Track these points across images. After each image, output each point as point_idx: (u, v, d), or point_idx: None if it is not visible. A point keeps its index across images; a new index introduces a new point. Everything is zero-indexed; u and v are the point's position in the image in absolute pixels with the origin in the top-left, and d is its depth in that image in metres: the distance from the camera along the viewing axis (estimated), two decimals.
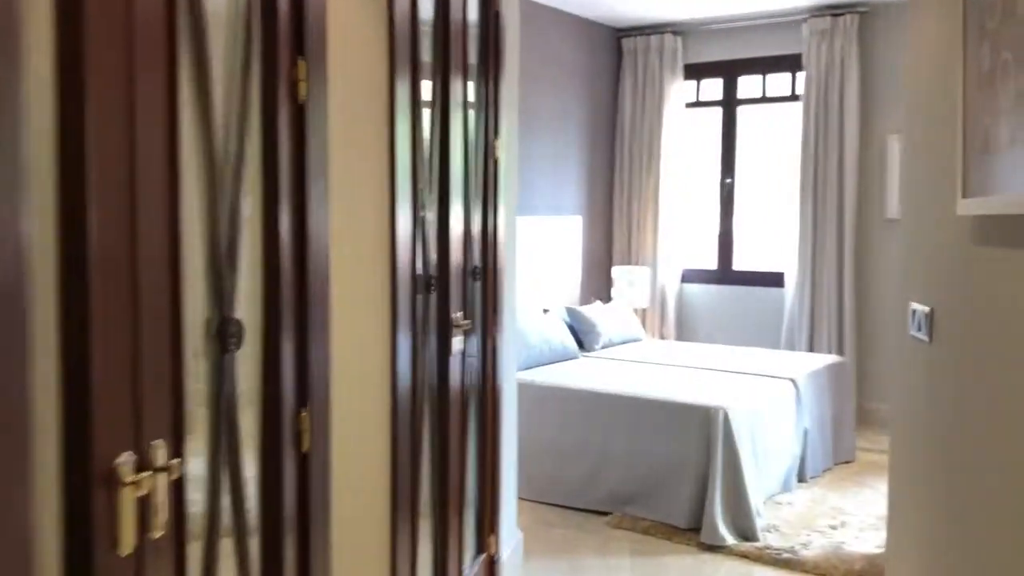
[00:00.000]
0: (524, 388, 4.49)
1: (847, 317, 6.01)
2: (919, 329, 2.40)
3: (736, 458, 4.04)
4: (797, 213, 6.21)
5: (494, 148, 3.16)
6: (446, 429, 2.72)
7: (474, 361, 3.02)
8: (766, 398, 4.46)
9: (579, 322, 5.60)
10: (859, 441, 5.42)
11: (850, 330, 6.00)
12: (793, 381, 4.77)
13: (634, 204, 6.85)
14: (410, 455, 2.39)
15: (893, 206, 5.94)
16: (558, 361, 5.13)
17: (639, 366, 5.09)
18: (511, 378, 3.55)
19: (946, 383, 2.18)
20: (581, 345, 5.56)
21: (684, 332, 6.83)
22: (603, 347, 5.62)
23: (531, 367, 4.92)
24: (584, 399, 4.43)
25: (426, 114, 2.50)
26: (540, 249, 6.08)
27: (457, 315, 2.71)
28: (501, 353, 3.28)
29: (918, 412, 2.45)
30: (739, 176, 6.67)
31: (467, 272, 2.92)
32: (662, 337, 6.76)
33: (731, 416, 4.06)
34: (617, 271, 6.50)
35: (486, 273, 3.14)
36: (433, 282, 2.57)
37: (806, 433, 4.79)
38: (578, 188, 6.57)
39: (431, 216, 2.58)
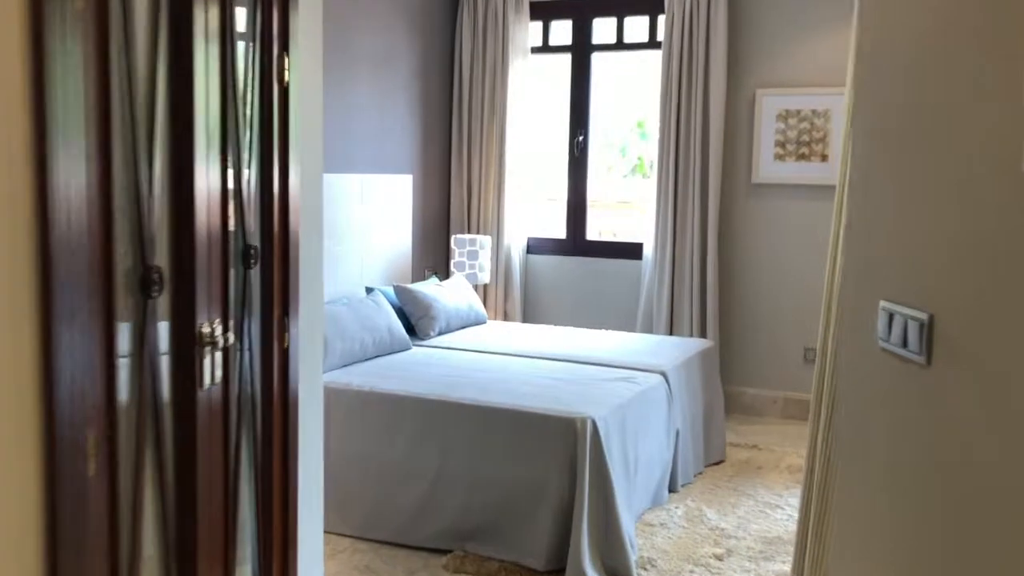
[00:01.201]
0: (336, 394, 3.52)
1: (710, 293, 5.36)
2: (903, 344, 1.62)
3: (606, 478, 3.25)
4: (655, 176, 5.49)
5: (279, 91, 2.15)
6: (192, 458, 1.74)
7: (249, 369, 2.04)
8: (635, 398, 3.69)
9: (411, 304, 4.66)
10: (727, 435, 4.79)
11: (713, 307, 5.36)
12: (663, 375, 4.04)
13: (475, 162, 5.94)
14: (107, 497, 1.42)
15: (763, 170, 5.32)
16: (383, 354, 4.18)
17: (483, 358, 4.21)
18: (314, 383, 2.58)
19: (959, 428, 1.41)
20: (413, 332, 4.63)
21: (531, 311, 6.02)
22: (439, 333, 4.71)
23: (347, 364, 3.94)
24: (415, 407, 3.51)
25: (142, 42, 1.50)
26: (362, 214, 5.07)
27: (206, 329, 1.71)
28: (297, 354, 2.31)
29: (900, 458, 1.68)
30: (593, 134, 5.89)
31: (233, 254, 1.93)
32: (506, 317, 5.92)
33: (599, 426, 3.26)
34: (456, 240, 5.59)
35: (270, 253, 2.14)
36: (157, 277, 1.56)
37: (678, 435, 4.08)
38: (409, 142, 5.58)
39: (153, 173, 1.57)
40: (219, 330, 1.78)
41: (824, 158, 5.18)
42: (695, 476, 4.29)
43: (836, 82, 4.79)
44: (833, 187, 2.82)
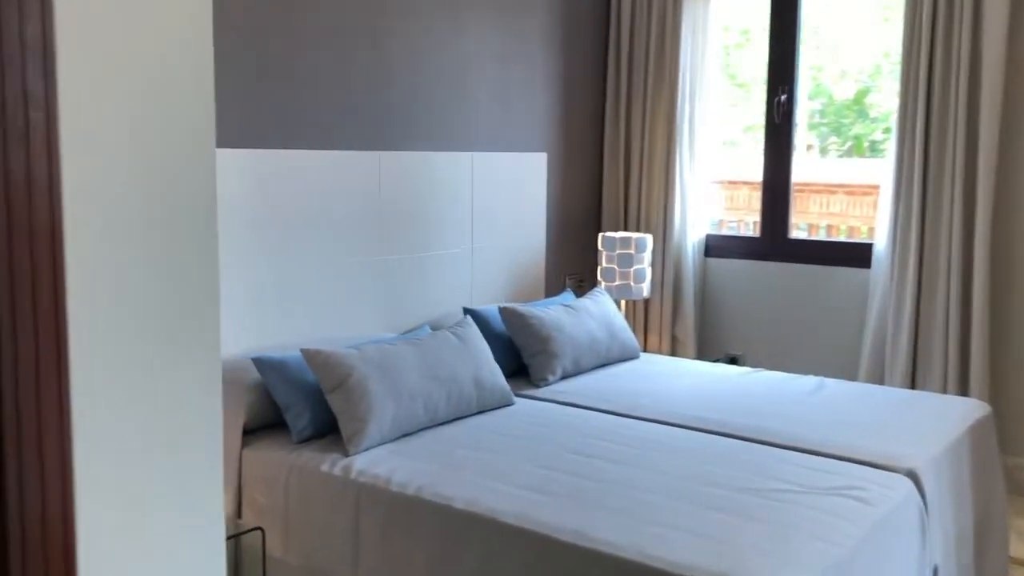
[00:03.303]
0: (368, 493, 2.20)
1: (976, 324, 3.61)
2: None
3: None
4: (893, 155, 3.79)
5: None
6: None
7: None
8: (866, 539, 2.10)
9: (521, 333, 3.26)
10: (1011, 543, 3.05)
11: (980, 345, 3.60)
12: (913, 476, 2.42)
13: (635, 134, 4.44)
14: None
15: None
16: (466, 416, 2.79)
17: (619, 427, 2.74)
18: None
19: None
20: (525, 373, 3.25)
21: (709, 337, 4.47)
22: (563, 377, 3.28)
23: (400, 437, 2.58)
24: (485, 533, 2.10)
25: None
26: (476, 205, 3.73)
27: None
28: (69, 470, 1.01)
29: None
30: (801, 92, 4.25)
31: None
32: (674, 345, 4.40)
33: None
34: (604, 240, 4.14)
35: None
36: None
37: (935, 573, 2.46)
38: (543, 109, 4.17)
39: None
40: None
41: None
42: None
43: None
44: None
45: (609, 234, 4.14)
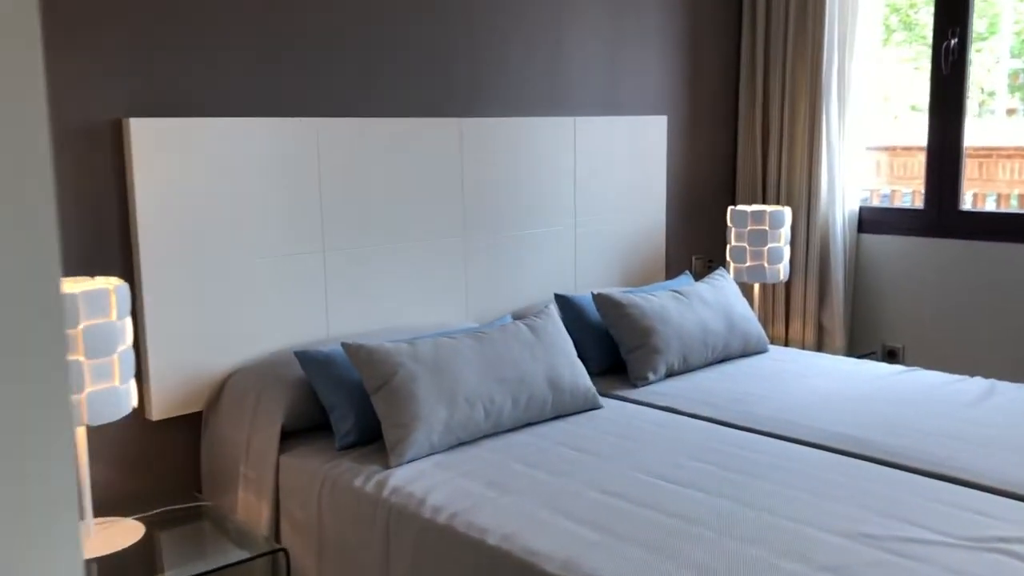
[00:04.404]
0: (399, 516, 1.87)
1: None
2: None
3: None
4: None
5: None
6: None
7: None
8: None
9: (619, 324, 2.82)
10: None
11: None
12: None
13: (773, 93, 3.86)
14: None
15: None
16: (541, 420, 2.40)
17: (725, 445, 2.26)
18: None
19: None
20: (624, 370, 2.82)
21: (865, 327, 3.85)
22: (668, 375, 2.82)
23: (455, 447, 2.21)
24: None
25: None
26: (580, 175, 3.31)
27: None
28: None
29: None
30: (973, 37, 3.54)
31: None
32: (821, 337, 3.81)
33: None
34: (733, 215, 3.61)
35: None
36: None
37: None
38: (661, 66, 3.67)
39: None
40: None
41: None
42: None
43: None
44: None
45: (739, 208, 3.60)
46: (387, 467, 2.10)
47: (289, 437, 2.30)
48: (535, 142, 3.14)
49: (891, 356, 3.74)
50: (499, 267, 3.05)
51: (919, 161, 3.74)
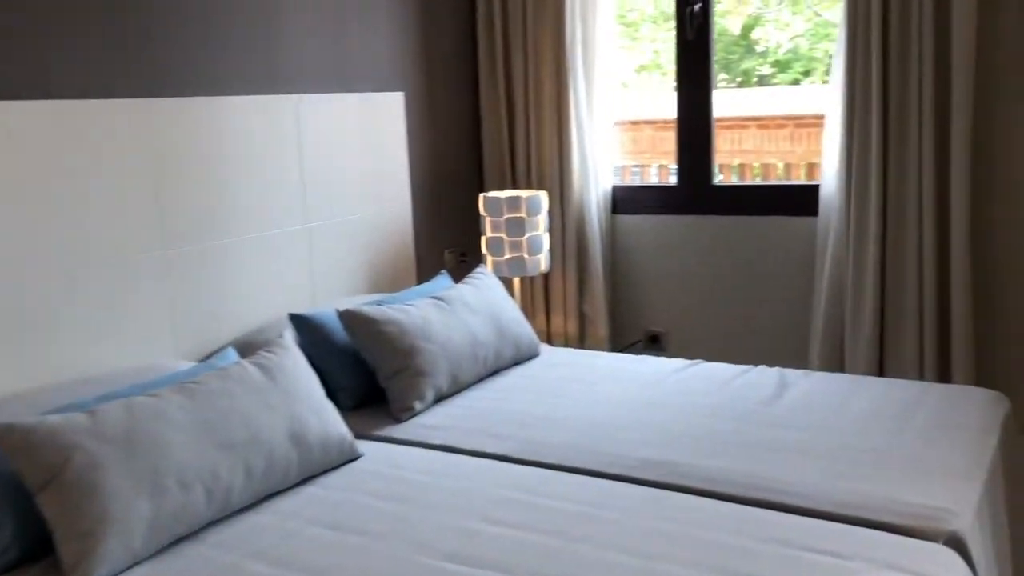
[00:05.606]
0: None
1: (957, 285, 2.85)
2: None
3: None
4: (840, 77, 2.96)
5: None
6: None
7: None
8: None
9: (373, 346, 2.31)
10: None
11: (962, 308, 2.85)
12: (956, 540, 1.60)
13: (516, 63, 3.50)
14: None
15: None
16: (265, 498, 1.84)
17: (520, 491, 1.83)
18: None
19: None
20: (384, 400, 2.32)
21: (626, 313, 3.60)
22: (437, 400, 2.35)
23: (168, 546, 1.62)
24: None
25: None
26: (307, 164, 2.74)
27: None
28: None
29: None
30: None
31: None
32: (583, 327, 3.53)
33: None
34: (486, 203, 3.21)
35: None
36: None
37: None
38: (395, 33, 3.17)
39: None
40: None
41: None
42: None
43: None
44: None
45: (492, 194, 3.21)
46: None
47: None
48: (248, 126, 2.53)
49: (654, 341, 3.54)
50: (213, 285, 2.42)
51: (662, 137, 3.56)
